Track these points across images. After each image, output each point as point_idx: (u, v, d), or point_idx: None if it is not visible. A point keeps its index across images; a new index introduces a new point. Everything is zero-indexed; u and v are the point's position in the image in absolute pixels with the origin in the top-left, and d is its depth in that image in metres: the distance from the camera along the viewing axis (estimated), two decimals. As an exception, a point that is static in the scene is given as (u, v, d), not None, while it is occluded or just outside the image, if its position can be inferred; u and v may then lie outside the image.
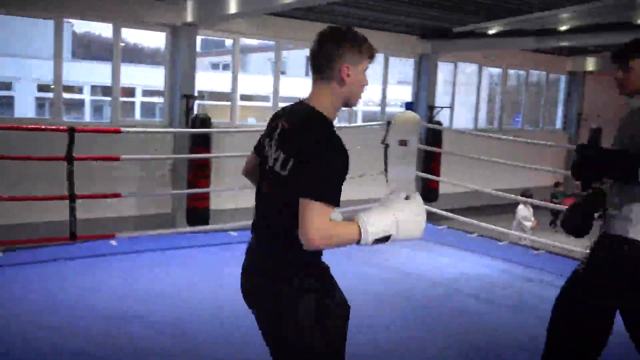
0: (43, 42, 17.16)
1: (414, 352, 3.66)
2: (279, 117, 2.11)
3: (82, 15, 9.08)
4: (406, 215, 1.98)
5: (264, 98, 21.21)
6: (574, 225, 2.81)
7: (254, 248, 2.15)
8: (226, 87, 11.34)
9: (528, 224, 8.66)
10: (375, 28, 11.06)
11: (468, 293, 4.76)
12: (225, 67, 26.80)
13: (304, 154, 1.94)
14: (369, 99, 20.18)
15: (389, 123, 6.68)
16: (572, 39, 10.92)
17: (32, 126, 6.96)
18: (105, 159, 6.35)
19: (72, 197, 4.85)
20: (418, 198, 2.03)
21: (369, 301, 4.33)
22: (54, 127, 5.78)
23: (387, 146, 6.57)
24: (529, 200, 7.33)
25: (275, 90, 10.59)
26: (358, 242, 1.94)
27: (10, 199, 5.61)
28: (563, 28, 10.57)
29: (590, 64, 14.69)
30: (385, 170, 6.66)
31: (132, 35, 15.10)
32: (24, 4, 8.22)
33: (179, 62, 9.46)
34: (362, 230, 1.92)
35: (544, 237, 7.23)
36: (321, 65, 2.02)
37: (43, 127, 6.69)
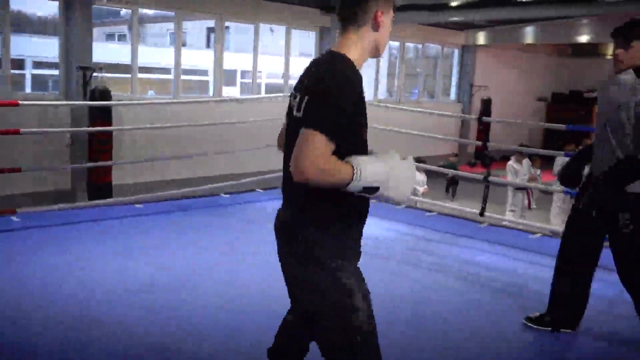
0: None
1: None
2: (306, 68, 2.07)
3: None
4: (399, 173, 1.92)
5: (164, 70, 20.74)
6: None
7: (280, 210, 2.17)
8: (123, 59, 11.05)
9: (420, 189, 9.18)
10: (277, 1, 11.15)
11: (375, 253, 5.10)
12: (121, 37, 25.75)
13: (312, 88, 1.92)
14: (270, 72, 20.24)
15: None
16: (462, 14, 11.54)
17: None
18: (4, 133, 6.10)
19: None
20: (411, 160, 1.99)
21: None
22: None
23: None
24: (423, 165, 7.79)
25: (177, 63, 10.45)
26: (347, 185, 1.84)
27: None
28: (454, 4, 11.15)
29: (481, 37, 15.53)
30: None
31: (20, 4, 14.26)
32: None
33: (73, 33, 9.12)
34: (355, 172, 1.83)
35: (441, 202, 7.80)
36: (354, 10, 1.99)
37: None
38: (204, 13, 11.19)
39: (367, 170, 1.85)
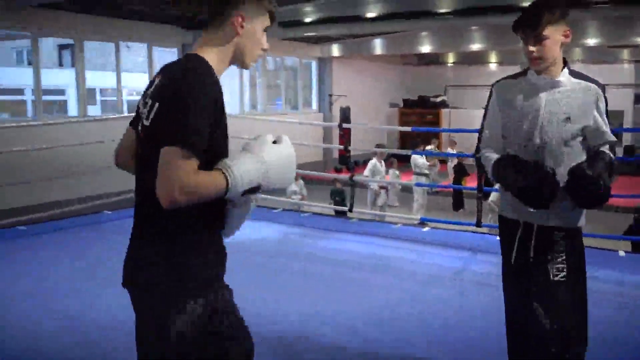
0: None
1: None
2: (157, 73, 1.83)
3: None
4: (276, 161, 1.73)
5: (16, 91, 19.70)
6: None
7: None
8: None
9: (296, 197, 9.81)
10: (138, 19, 11.27)
11: (259, 250, 5.58)
12: None
13: (162, 92, 1.72)
14: (133, 88, 20.00)
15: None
16: (315, 29, 12.40)
17: None
18: None
19: None
20: (286, 140, 1.80)
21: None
22: None
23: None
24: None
25: (37, 83, 10.21)
26: (224, 195, 1.65)
27: None
28: (308, 20, 11.96)
29: (336, 50, 16.60)
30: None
31: None
32: None
33: None
34: (229, 180, 1.63)
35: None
36: (212, 11, 1.81)
37: None
38: (62, 32, 11.03)
39: (240, 173, 1.65)
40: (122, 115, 10.67)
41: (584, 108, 2.48)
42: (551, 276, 2.48)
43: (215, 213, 1.78)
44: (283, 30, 12.29)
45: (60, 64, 23.17)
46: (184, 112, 1.63)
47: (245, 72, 15.19)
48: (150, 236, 1.77)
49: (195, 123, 1.63)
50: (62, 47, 22.97)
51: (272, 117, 12.67)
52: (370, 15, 10.93)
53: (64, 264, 5.09)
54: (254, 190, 1.72)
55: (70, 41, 15.50)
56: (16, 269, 4.93)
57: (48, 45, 21.84)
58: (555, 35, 2.40)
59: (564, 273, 2.48)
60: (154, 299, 1.75)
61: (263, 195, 5.75)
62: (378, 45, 15.80)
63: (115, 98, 15.86)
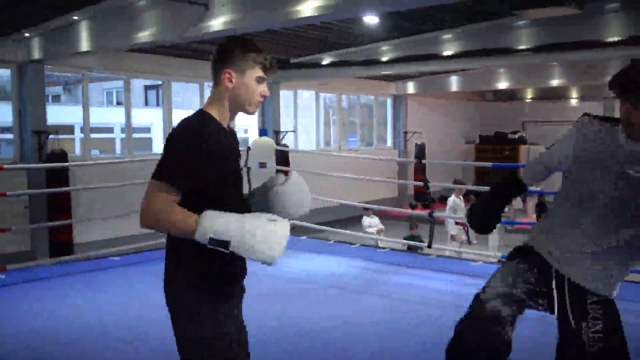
0: None
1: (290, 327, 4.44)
2: None
3: None
4: (256, 232, 1.87)
5: (106, 129, 20.92)
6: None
7: None
8: (64, 120, 11.36)
9: (372, 230, 9.88)
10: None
11: (335, 285, 5.66)
12: (55, 98, 25.73)
13: (166, 141, 2.00)
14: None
15: (248, 148, 7.44)
16: (392, 68, 12.57)
17: None
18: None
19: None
20: (283, 223, 1.92)
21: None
22: None
23: (249, 169, 7.32)
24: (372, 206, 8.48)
25: (128, 122, 10.88)
26: (191, 234, 1.87)
27: None
28: (385, 58, 12.15)
29: (411, 87, 16.71)
30: (249, 190, 7.39)
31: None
32: None
33: (26, 98, 9.44)
34: (198, 224, 1.86)
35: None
36: (212, 70, 2.11)
37: None
38: (152, 73, 11.71)
39: (213, 223, 1.84)
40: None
41: None
42: (587, 347, 2.27)
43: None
44: (361, 68, 12.55)
45: (146, 104, 24.46)
46: (169, 154, 1.96)
47: (321, 110, 15.56)
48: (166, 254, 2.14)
49: (174, 163, 1.94)
50: (147, 88, 24.29)
51: (345, 154, 12.88)
52: (447, 53, 10.99)
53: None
54: (223, 245, 1.86)
55: (155, 82, 16.43)
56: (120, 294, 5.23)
57: (135, 85, 23.18)
58: None
59: (601, 344, 2.25)
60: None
61: (342, 230, 5.78)
62: (454, 83, 15.79)
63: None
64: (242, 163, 2.46)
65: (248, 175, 7.63)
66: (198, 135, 1.96)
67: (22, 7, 7.48)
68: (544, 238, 2.42)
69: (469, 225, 2.71)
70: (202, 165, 1.95)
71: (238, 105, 2.12)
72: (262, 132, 12.26)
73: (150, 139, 19.54)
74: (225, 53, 2.10)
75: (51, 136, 9.32)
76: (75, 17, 8.08)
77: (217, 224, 1.85)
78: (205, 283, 2.04)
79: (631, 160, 2.15)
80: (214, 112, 2.09)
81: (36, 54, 9.16)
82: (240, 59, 2.08)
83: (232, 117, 2.16)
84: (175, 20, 7.19)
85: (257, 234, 1.86)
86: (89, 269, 6.14)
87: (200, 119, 2.05)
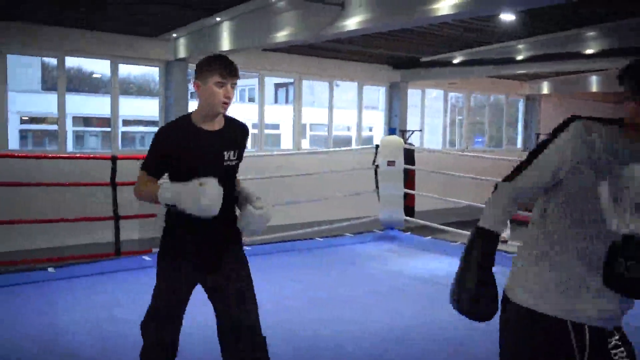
0: (24, 75, 17.58)
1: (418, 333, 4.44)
2: None
3: (82, 53, 9.69)
4: (188, 193, 2.54)
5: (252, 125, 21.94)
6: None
7: None
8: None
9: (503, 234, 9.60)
10: (351, 60, 12.00)
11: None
12: (193, 95, 27.42)
13: None
14: (337, 124, 21.15)
15: (376, 147, 7.51)
16: (527, 67, 12.05)
17: (78, 155, 7.65)
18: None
19: (117, 218, 5.52)
20: (209, 183, 2.55)
21: (371, 296, 5.13)
22: (98, 155, 6.43)
23: (377, 167, 7.39)
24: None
25: (261, 118, 11.37)
26: (157, 201, 2.64)
27: (61, 220, 6.22)
28: (519, 57, 11.67)
29: (545, 87, 15.93)
30: (377, 188, 7.47)
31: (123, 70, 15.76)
32: (29, 42, 8.82)
33: (171, 95, 10.16)
34: (158, 193, 2.62)
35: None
36: None
37: (88, 155, 7.33)
38: (285, 72, 12.13)
39: (164, 192, 2.60)
40: (331, 149, 11.35)
41: None
42: None
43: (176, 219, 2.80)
44: (495, 68, 12.16)
45: (275, 101, 25.37)
46: (149, 150, 2.79)
47: (448, 111, 15.28)
48: None
49: (147, 156, 2.78)
50: (278, 86, 25.18)
51: (471, 154, 12.55)
52: (588, 51, 10.35)
53: (287, 284, 5.58)
54: (173, 205, 2.60)
55: (284, 80, 16.96)
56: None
57: (266, 83, 24.09)
58: None
59: None
60: None
61: (465, 232, 5.60)
62: (594, 83, 14.84)
63: (321, 133, 16.93)
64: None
65: (376, 172, 7.72)
66: (159, 136, 2.75)
67: (173, 11, 8.05)
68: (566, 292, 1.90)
69: (458, 307, 2.04)
70: (160, 157, 2.75)
71: (209, 108, 2.73)
72: (391, 131, 12.30)
73: (279, 135, 20.28)
74: (196, 69, 2.75)
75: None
76: (218, 19, 8.57)
77: (166, 192, 2.59)
78: (164, 248, 2.86)
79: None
80: (196, 116, 2.78)
81: (182, 53, 9.83)
82: (203, 71, 2.70)
83: (211, 118, 2.76)
84: (311, 20, 7.40)
85: (190, 195, 2.53)
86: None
87: (170, 122, 2.87)
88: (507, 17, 8.51)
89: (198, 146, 2.72)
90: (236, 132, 2.87)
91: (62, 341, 4.17)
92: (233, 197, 2.90)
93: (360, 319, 4.64)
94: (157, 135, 2.76)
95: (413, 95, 14.20)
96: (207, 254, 2.83)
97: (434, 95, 15.44)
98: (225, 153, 2.79)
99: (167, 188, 2.61)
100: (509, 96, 16.43)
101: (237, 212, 2.93)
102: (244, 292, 2.87)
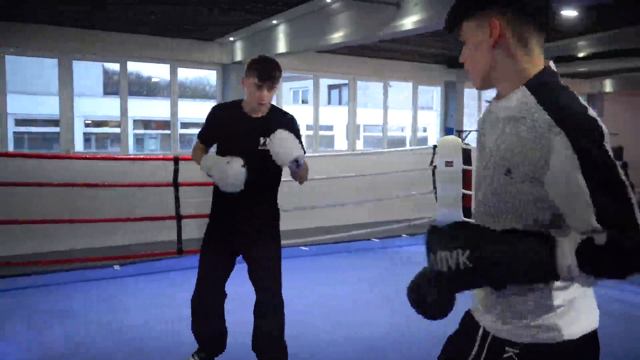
0: (81, 81, 18.25)
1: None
2: None
3: (142, 58, 9.98)
4: (218, 167, 2.97)
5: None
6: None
7: None
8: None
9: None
10: (405, 59, 11.91)
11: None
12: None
13: None
14: (390, 125, 21.06)
15: (434, 147, 7.43)
16: (590, 64, 11.67)
17: (140, 156, 7.89)
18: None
19: (179, 217, 5.66)
20: (233, 161, 2.96)
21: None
22: (161, 156, 6.62)
23: (435, 167, 7.31)
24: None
25: (316, 120, 11.41)
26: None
27: (126, 219, 6.45)
28: (582, 54, 11.32)
29: (608, 85, 15.40)
30: (435, 189, 7.39)
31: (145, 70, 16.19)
32: (92, 49, 9.15)
33: (228, 97, 10.33)
34: (201, 160, 3.12)
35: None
36: None
37: (150, 157, 7.55)
38: (340, 73, 12.15)
39: (204, 161, 3.09)
40: (387, 150, 11.29)
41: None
42: None
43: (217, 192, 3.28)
44: (555, 66, 11.83)
45: (329, 102, 25.45)
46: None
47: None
48: None
49: (202, 130, 3.36)
50: (331, 87, 25.25)
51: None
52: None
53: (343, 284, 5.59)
54: (209, 175, 3.08)
55: (337, 81, 16.97)
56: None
57: (320, 85, 24.23)
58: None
59: None
60: None
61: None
62: (663, 80, 14.27)
63: (375, 134, 16.88)
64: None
65: (434, 173, 7.64)
66: (211, 112, 3.28)
67: (230, 15, 8.19)
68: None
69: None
70: (208, 130, 3.30)
71: (249, 101, 3.15)
72: (449, 131, 12.14)
73: (332, 137, 20.32)
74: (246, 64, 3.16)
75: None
76: (274, 21, 8.66)
77: (205, 161, 3.07)
78: (208, 225, 3.38)
79: None
80: (245, 102, 3.21)
81: (238, 56, 9.99)
82: (248, 70, 3.09)
83: (255, 109, 3.15)
84: (367, 20, 7.39)
85: (218, 169, 2.97)
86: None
87: (223, 103, 3.54)
88: (569, 12, 8.27)
89: (238, 128, 3.11)
90: (279, 121, 3.12)
91: (131, 337, 4.31)
92: (271, 180, 3.22)
93: (423, 320, 4.59)
94: (211, 111, 3.28)
95: (467, 95, 13.97)
96: (237, 231, 3.21)
97: (489, 94, 15.13)
98: (261, 139, 3.06)
99: (206, 158, 3.07)
100: (569, 95, 15.94)
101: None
102: (264, 278, 3.24)
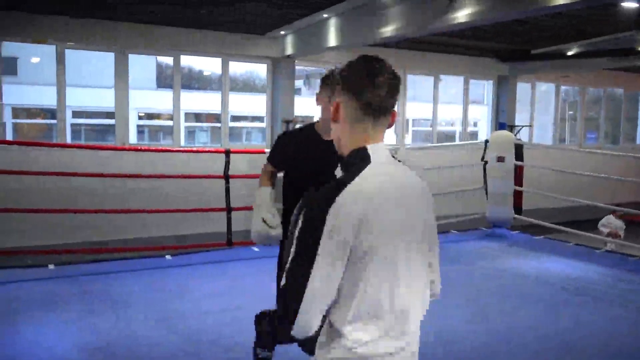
0: (135, 74, 18.69)
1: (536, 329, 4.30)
2: None
3: (195, 52, 10.15)
4: (254, 219, 3.07)
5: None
6: None
7: None
8: (307, 111, 12.27)
9: (603, 229, 9.06)
10: (456, 53, 11.73)
11: (569, 289, 5.34)
12: (297, 91, 27.96)
13: None
14: (440, 119, 20.78)
15: (486, 142, 7.31)
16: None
17: (195, 149, 8.06)
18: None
19: (229, 209, 5.77)
20: (258, 220, 3.05)
21: (487, 296, 5.01)
22: (213, 149, 6.77)
23: (486, 163, 7.19)
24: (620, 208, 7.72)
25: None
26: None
27: (176, 210, 6.61)
28: (640, 48, 10.91)
29: (667, 79, 14.81)
30: (485, 185, 7.27)
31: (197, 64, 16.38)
32: (148, 44, 9.38)
33: (279, 91, 10.41)
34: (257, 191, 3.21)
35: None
36: None
37: (204, 149, 7.70)
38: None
39: (257, 193, 3.18)
40: (437, 144, 11.17)
41: None
42: None
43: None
44: (612, 60, 11.46)
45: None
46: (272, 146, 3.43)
47: (551, 106, 14.57)
48: None
49: (270, 152, 3.35)
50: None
51: (584, 150, 11.88)
52: None
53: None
54: None
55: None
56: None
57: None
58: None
59: None
60: None
61: (581, 233, 5.36)
62: None
63: (423, 128, 16.70)
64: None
65: (485, 168, 7.52)
66: (280, 140, 3.34)
67: (281, 9, 8.24)
68: None
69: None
70: (279, 155, 3.26)
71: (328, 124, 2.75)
72: (502, 126, 11.91)
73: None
74: (322, 83, 3.04)
75: (298, 125, 10.14)
76: (325, 15, 8.66)
77: (256, 197, 3.15)
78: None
79: None
80: (319, 125, 3.18)
81: (289, 50, 10.04)
82: (331, 89, 2.84)
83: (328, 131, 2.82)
84: (419, 13, 7.31)
85: (253, 222, 3.07)
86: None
87: (295, 130, 3.62)
88: (630, 4, 7.98)
89: (313, 152, 3.06)
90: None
91: (183, 326, 4.42)
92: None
93: (474, 319, 4.55)
94: (281, 136, 3.36)
95: (520, 89, 13.66)
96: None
97: (543, 89, 14.75)
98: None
99: (259, 194, 3.15)
100: (628, 90, 15.41)
101: None
102: None
